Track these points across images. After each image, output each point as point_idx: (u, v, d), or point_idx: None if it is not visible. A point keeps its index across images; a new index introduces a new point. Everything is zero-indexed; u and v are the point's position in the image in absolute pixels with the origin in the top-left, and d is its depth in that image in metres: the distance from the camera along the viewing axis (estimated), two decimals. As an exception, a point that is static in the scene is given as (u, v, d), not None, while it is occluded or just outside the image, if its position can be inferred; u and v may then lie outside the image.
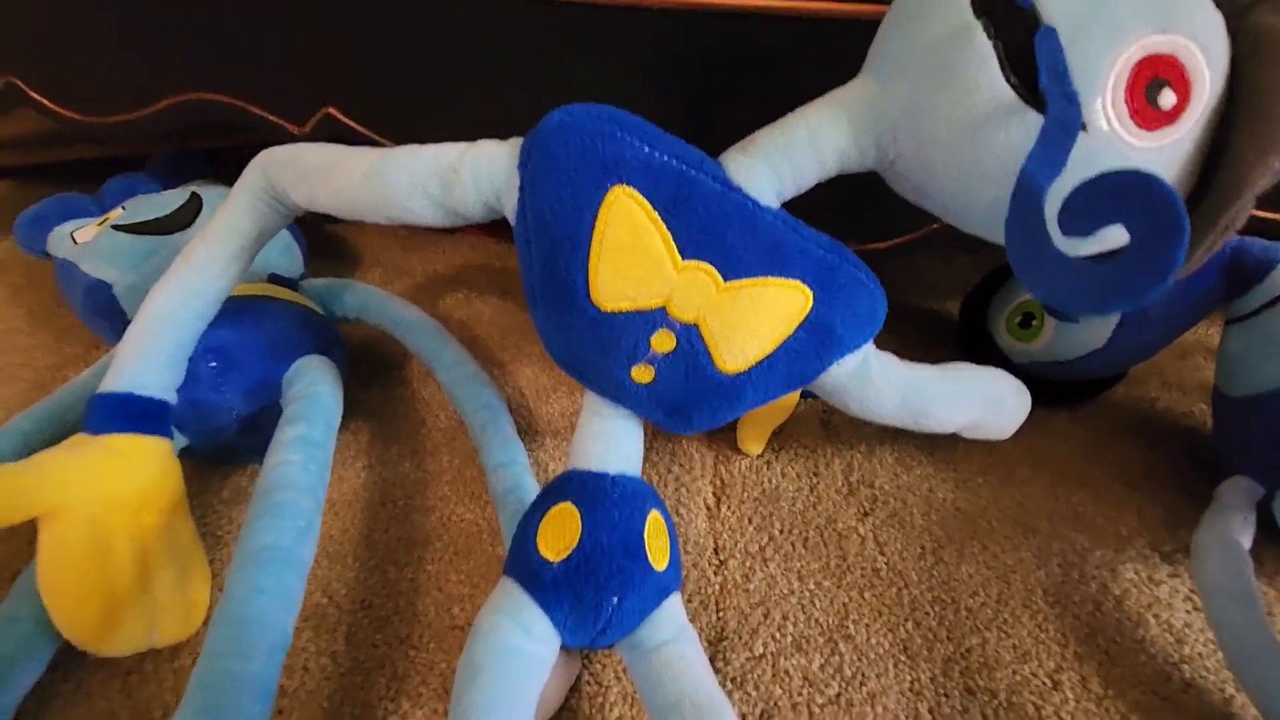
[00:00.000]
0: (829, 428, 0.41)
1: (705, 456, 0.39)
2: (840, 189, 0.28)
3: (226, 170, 0.47)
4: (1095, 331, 0.36)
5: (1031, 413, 0.37)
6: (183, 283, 0.31)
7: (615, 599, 0.24)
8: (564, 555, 0.24)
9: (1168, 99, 0.21)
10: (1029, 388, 0.38)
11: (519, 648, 0.23)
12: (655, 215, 0.23)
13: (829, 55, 0.29)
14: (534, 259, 0.24)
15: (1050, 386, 0.41)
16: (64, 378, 0.43)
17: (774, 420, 0.39)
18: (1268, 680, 0.26)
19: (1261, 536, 0.32)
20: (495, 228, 0.58)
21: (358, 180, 0.26)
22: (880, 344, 0.30)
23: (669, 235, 0.23)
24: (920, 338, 0.48)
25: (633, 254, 0.23)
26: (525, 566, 0.24)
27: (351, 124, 0.38)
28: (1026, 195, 0.19)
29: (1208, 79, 0.22)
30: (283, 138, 0.40)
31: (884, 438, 0.40)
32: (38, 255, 0.44)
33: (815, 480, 0.37)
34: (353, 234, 0.59)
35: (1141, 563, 0.33)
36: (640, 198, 0.23)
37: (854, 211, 0.33)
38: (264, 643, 0.22)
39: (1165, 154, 0.22)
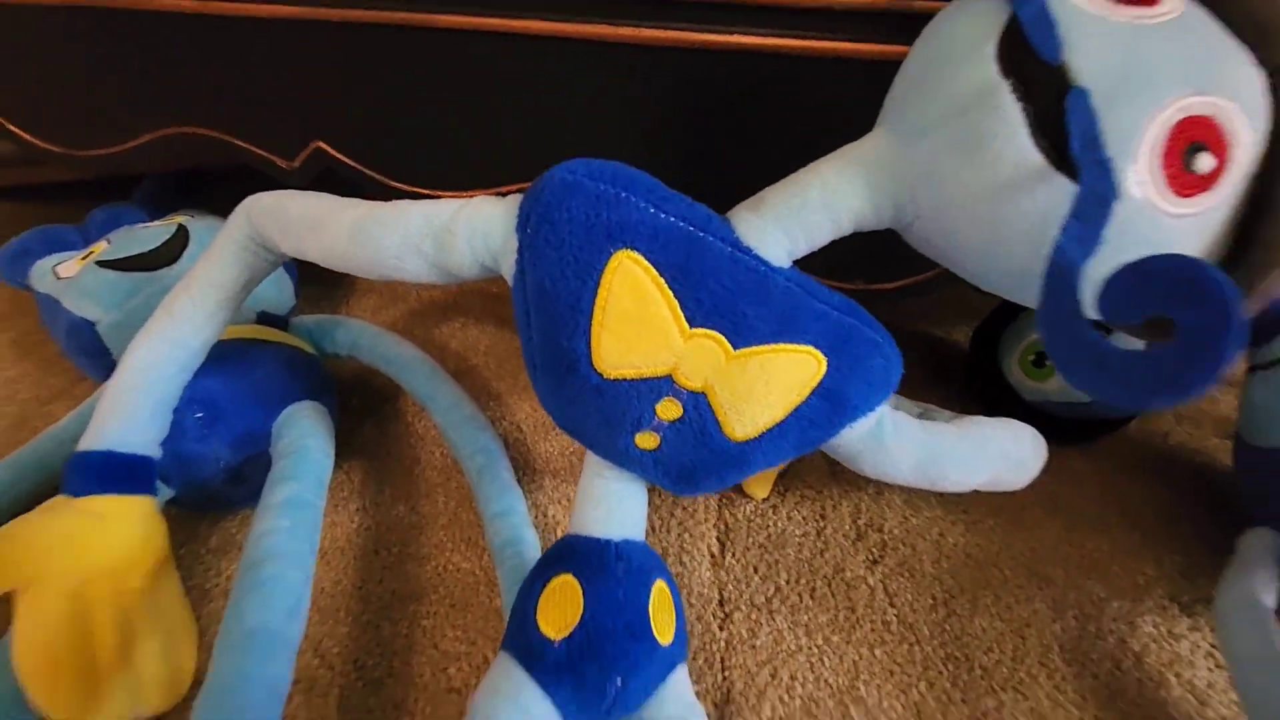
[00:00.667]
0: (836, 468, 0.40)
1: (709, 501, 0.38)
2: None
3: (214, 193, 0.45)
4: (1120, 370, 0.35)
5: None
6: (165, 335, 0.30)
7: (619, 680, 0.23)
8: (566, 633, 0.23)
9: (1206, 164, 0.20)
10: (1040, 425, 0.37)
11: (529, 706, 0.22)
12: (662, 282, 0.22)
13: (845, 94, 0.28)
14: (533, 325, 0.23)
15: (1063, 424, 0.39)
16: (49, 412, 0.41)
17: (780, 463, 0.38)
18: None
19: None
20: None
21: (345, 239, 0.25)
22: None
23: (675, 303, 0.22)
24: (927, 368, 0.47)
25: (638, 323, 0.22)
26: (525, 644, 0.23)
27: (342, 158, 0.37)
28: (1060, 274, 0.18)
29: (1248, 142, 0.20)
30: (272, 171, 0.39)
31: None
32: (19, 288, 0.43)
33: (822, 524, 0.36)
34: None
35: (1160, 614, 0.32)
36: (646, 263, 0.22)
37: (865, 252, 0.32)
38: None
39: (1201, 221, 0.21)
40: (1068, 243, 0.18)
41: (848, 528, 0.36)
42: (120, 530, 0.27)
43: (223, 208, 0.37)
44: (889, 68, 0.25)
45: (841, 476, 0.39)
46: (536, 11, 0.32)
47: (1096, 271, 0.18)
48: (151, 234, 0.42)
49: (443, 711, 0.28)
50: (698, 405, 0.23)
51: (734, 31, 0.31)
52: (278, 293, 0.44)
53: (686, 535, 0.36)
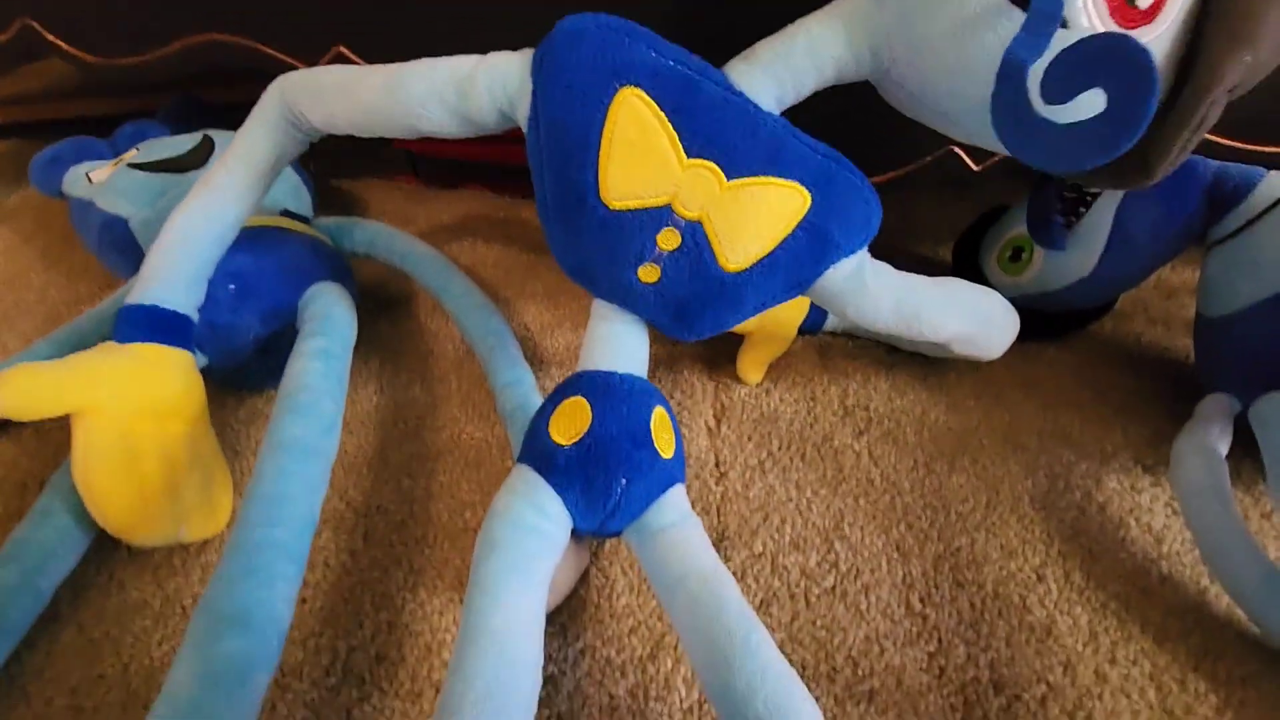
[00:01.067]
0: (826, 359, 0.42)
1: (706, 385, 0.40)
2: (834, 123, 0.29)
3: (232, 121, 0.48)
4: (1082, 260, 0.38)
5: (1022, 343, 0.39)
6: (203, 205, 0.32)
7: (624, 481, 0.25)
8: (576, 439, 0.25)
9: (1144, 0, 0.22)
10: (1026, 322, 0.40)
11: (534, 525, 0.24)
12: (662, 115, 0.24)
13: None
14: (545, 162, 0.26)
15: (1040, 318, 0.42)
16: (77, 312, 0.43)
17: (772, 351, 0.40)
18: (1240, 570, 0.28)
19: (1239, 449, 0.33)
20: (496, 182, 0.60)
21: (377, 91, 0.27)
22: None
23: (675, 134, 0.24)
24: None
25: (641, 152, 0.24)
26: (539, 452, 0.26)
27: (362, 61, 0.39)
28: (1011, 70, 0.20)
29: None
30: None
31: (879, 367, 0.41)
32: (52, 195, 0.45)
33: (813, 404, 0.39)
34: (359, 188, 0.60)
35: (1125, 474, 0.35)
36: (648, 98, 0.24)
37: (848, 145, 0.34)
38: (294, 514, 0.24)
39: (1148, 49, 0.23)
40: (1017, 46, 0.20)
41: (836, 406, 0.39)
42: (164, 375, 0.30)
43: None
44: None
45: (831, 366, 0.42)
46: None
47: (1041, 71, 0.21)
48: (179, 142, 0.44)
49: (460, 544, 0.30)
50: (695, 234, 0.26)
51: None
52: (298, 203, 0.46)
53: (685, 413, 0.38)
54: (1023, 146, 0.21)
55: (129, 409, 0.28)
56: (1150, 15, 0.23)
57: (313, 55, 0.40)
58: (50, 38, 0.41)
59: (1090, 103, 0.19)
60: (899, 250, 0.52)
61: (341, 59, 0.40)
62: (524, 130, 0.26)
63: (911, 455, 0.36)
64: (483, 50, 0.28)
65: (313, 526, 0.25)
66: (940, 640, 0.27)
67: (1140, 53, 0.18)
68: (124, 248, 0.41)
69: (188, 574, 0.29)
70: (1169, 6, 0.23)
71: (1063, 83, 0.19)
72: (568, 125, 0.25)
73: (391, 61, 0.33)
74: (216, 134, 0.46)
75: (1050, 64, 0.19)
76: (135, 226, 0.40)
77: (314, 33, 0.40)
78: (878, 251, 0.29)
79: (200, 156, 0.43)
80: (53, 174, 0.44)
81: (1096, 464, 0.35)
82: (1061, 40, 0.22)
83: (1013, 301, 0.41)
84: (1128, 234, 0.36)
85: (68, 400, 0.27)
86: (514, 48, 0.27)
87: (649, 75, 0.24)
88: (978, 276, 0.44)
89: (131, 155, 0.43)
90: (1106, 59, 0.18)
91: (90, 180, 0.43)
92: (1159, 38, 0.23)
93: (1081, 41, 0.19)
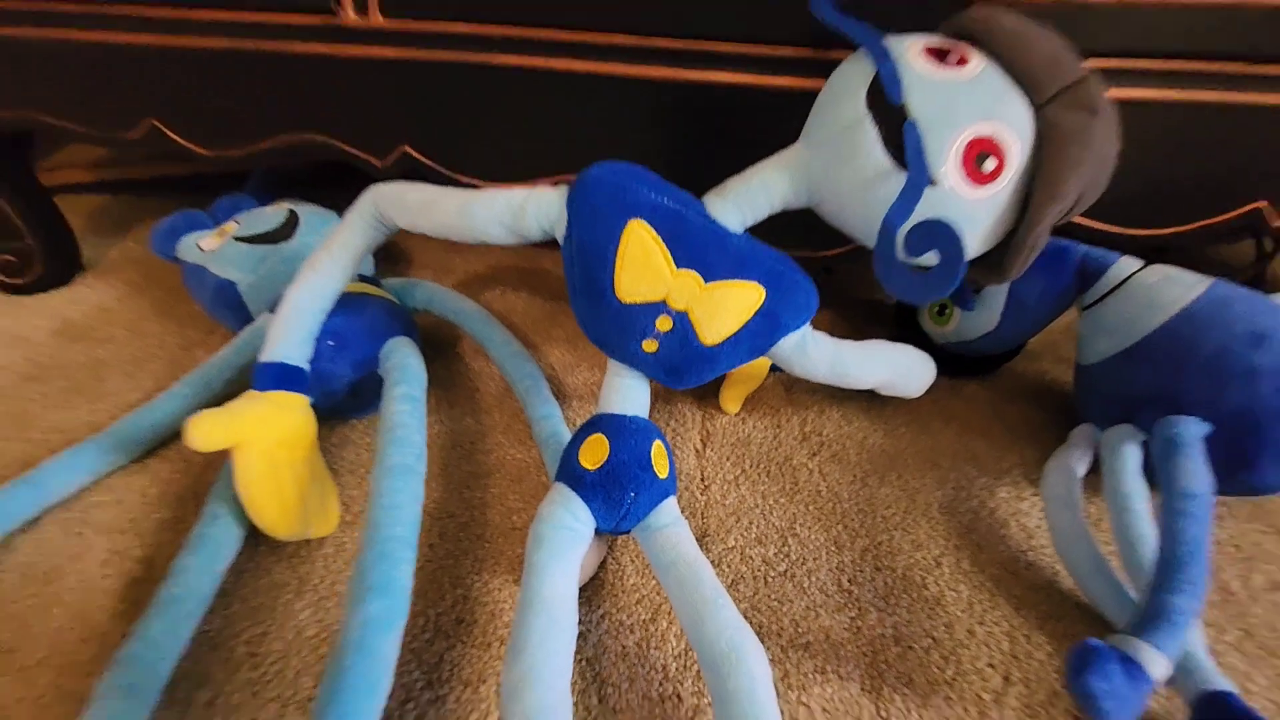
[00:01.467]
0: (791, 393, 0.53)
1: (695, 415, 0.51)
2: (796, 215, 0.40)
3: (306, 186, 0.58)
4: (987, 318, 0.48)
5: (951, 379, 0.49)
6: (311, 284, 0.42)
7: (632, 495, 0.35)
8: (598, 466, 0.36)
9: (990, 165, 0.33)
10: (947, 363, 0.51)
11: (569, 525, 0.35)
12: (659, 239, 0.35)
13: (784, 116, 0.40)
14: (576, 267, 0.36)
15: (962, 361, 0.53)
16: (192, 356, 0.54)
17: (748, 387, 0.51)
18: (1079, 560, 0.38)
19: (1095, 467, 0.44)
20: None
21: (450, 214, 0.38)
22: (833, 328, 0.42)
23: (668, 253, 0.35)
24: (864, 322, 0.60)
25: (643, 265, 0.35)
26: (571, 473, 0.36)
27: (423, 159, 0.50)
28: (886, 231, 0.31)
29: (1018, 151, 0.33)
30: (367, 167, 0.52)
31: (832, 400, 0.52)
32: (167, 258, 0.55)
33: (778, 431, 0.49)
34: (408, 242, 0.71)
35: (1014, 487, 0.46)
36: (649, 228, 0.35)
37: (806, 229, 0.45)
38: (406, 517, 0.34)
39: (989, 202, 0.34)
40: (891, 213, 0.31)
41: (796, 432, 0.49)
42: (291, 414, 0.40)
43: (314, 196, 0.50)
44: (813, 97, 0.38)
45: (794, 399, 0.52)
46: (569, 56, 0.45)
47: (904, 232, 0.31)
48: (270, 217, 0.55)
49: (511, 540, 0.41)
50: (683, 321, 0.36)
51: (709, 70, 0.44)
52: (366, 266, 0.57)
53: (677, 438, 0.49)
54: (886, 279, 0.31)
55: (271, 441, 0.39)
56: (994, 176, 0.33)
57: (383, 152, 0.51)
58: (171, 135, 0.52)
59: (931, 258, 0.30)
60: (853, 299, 0.63)
61: (406, 157, 0.50)
62: (560, 243, 0.37)
63: (852, 471, 0.46)
64: (518, 153, 0.39)
65: (418, 525, 0.35)
66: (860, 609, 0.38)
67: (955, 233, 0.28)
68: (234, 306, 0.51)
69: (313, 561, 0.39)
70: (1006, 171, 0.33)
71: (915, 244, 0.29)
72: (593, 245, 0.35)
73: (448, 158, 0.43)
74: (298, 207, 0.56)
75: (908, 232, 0.30)
76: (243, 290, 0.51)
77: (384, 134, 0.50)
78: (853, 304, 0.40)
79: (289, 229, 0.54)
80: (169, 242, 0.55)
81: (993, 479, 0.46)
82: (931, 196, 0.32)
83: (941, 346, 0.52)
84: (1020, 300, 0.47)
85: (234, 436, 0.37)
86: (540, 147, 0.37)
87: (649, 211, 0.35)
88: (914, 324, 0.55)
89: (233, 228, 0.54)
90: (939, 233, 0.29)
91: (201, 249, 0.53)
92: (1001, 191, 0.34)
93: (924, 222, 0.29)
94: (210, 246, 0.53)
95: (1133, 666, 0.29)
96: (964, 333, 0.50)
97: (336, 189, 0.58)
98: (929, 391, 0.49)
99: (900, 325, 0.56)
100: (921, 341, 0.54)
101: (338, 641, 0.29)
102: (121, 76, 0.51)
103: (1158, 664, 0.29)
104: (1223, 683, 0.31)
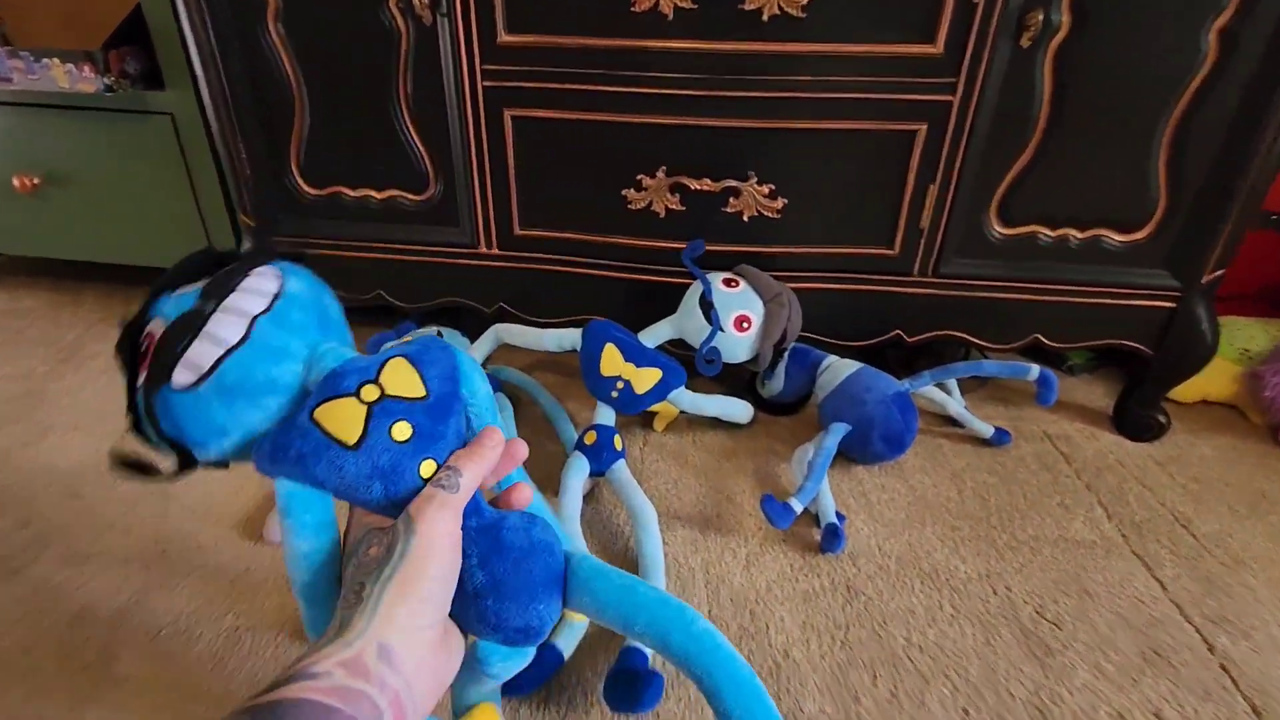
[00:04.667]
0: (689, 426, 1.05)
1: (640, 433, 1.02)
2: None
3: (443, 318, 1.13)
4: (777, 383, 1.01)
5: (771, 416, 1.02)
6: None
7: (605, 454, 0.86)
8: (592, 443, 0.87)
9: (746, 325, 0.87)
10: (769, 407, 1.04)
11: (579, 466, 0.86)
12: (618, 351, 0.88)
13: (673, 299, 0.95)
14: (584, 362, 0.90)
15: (775, 406, 1.05)
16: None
17: (667, 417, 1.03)
18: (796, 479, 0.90)
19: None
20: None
21: (531, 340, 0.92)
22: (714, 387, 0.95)
23: (622, 355, 0.88)
24: (729, 386, 1.13)
25: (611, 362, 0.88)
26: (580, 446, 0.87)
27: (509, 309, 1.04)
28: (702, 349, 0.85)
29: (757, 320, 0.88)
30: (478, 310, 1.07)
31: (710, 426, 1.04)
32: (374, 355, 1.09)
33: (680, 439, 1.01)
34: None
35: (784, 461, 0.97)
36: (614, 347, 0.88)
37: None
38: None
39: (747, 338, 0.87)
40: (704, 342, 0.85)
41: (691, 441, 1.01)
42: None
43: (447, 324, 1.05)
44: (685, 287, 0.93)
45: (690, 428, 1.04)
46: (581, 267, 1.00)
47: (709, 347, 0.85)
48: (427, 334, 1.08)
49: (553, 480, 0.92)
50: (628, 384, 0.89)
51: (657, 275, 0.99)
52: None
53: (630, 443, 1.00)
54: (700, 366, 0.85)
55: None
56: (748, 329, 0.88)
57: (488, 304, 1.06)
58: (389, 299, 1.07)
59: (716, 357, 0.84)
60: (726, 375, 1.17)
61: (501, 310, 1.05)
62: (578, 353, 0.91)
63: (715, 456, 0.98)
64: (560, 307, 0.94)
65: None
66: (705, 506, 0.88)
67: (719, 353, 0.82)
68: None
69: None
70: (754, 327, 0.88)
71: (708, 354, 0.83)
72: (591, 353, 0.89)
73: (521, 308, 0.98)
74: (441, 329, 1.10)
75: (707, 349, 0.84)
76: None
77: (491, 295, 1.06)
78: (726, 378, 0.93)
79: (439, 341, 1.08)
80: (374, 349, 1.08)
81: (781, 459, 0.97)
82: (720, 338, 0.86)
83: (764, 398, 1.05)
84: (791, 375, 1.00)
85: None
86: (569, 306, 0.92)
87: (614, 340, 0.89)
88: (753, 388, 1.07)
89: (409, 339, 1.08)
90: (715, 351, 0.83)
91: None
92: (751, 335, 0.88)
93: (713, 346, 0.83)
94: (399, 349, 1.07)
95: (786, 506, 0.79)
96: (771, 391, 1.03)
97: (453, 318, 1.13)
98: (758, 421, 1.02)
99: (748, 388, 1.09)
100: (756, 394, 1.07)
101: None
102: (369, 272, 1.06)
103: (795, 504, 0.80)
104: (834, 520, 0.82)
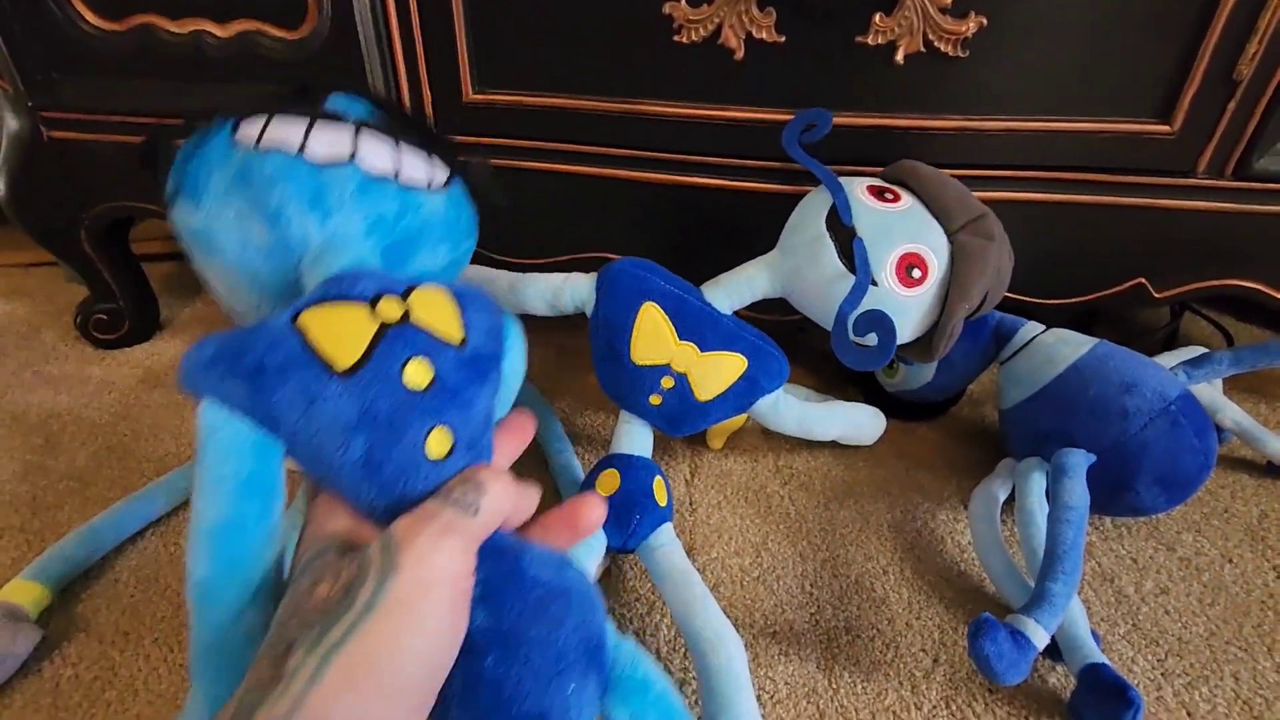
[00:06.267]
0: (768, 434, 0.62)
1: (685, 451, 0.60)
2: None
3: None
4: (924, 372, 0.59)
5: (903, 423, 0.59)
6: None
7: (638, 518, 0.44)
8: (611, 493, 0.45)
9: (916, 274, 0.44)
10: (900, 408, 0.61)
11: (587, 542, 0.44)
12: (666, 318, 0.45)
13: (768, 221, 0.51)
14: (600, 337, 0.46)
15: (910, 407, 0.63)
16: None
17: (730, 428, 0.60)
18: (993, 560, 0.47)
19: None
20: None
21: (504, 290, 0.48)
22: (805, 378, 0.52)
23: (673, 328, 0.45)
24: (830, 374, 0.70)
25: (653, 336, 0.45)
26: (588, 496, 0.46)
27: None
28: (840, 318, 0.42)
29: (937, 265, 0.44)
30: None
31: (802, 441, 0.61)
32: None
33: (755, 465, 0.59)
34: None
35: (951, 511, 0.55)
36: (659, 308, 0.45)
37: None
38: None
39: (917, 299, 0.44)
40: (844, 306, 0.42)
41: (771, 466, 0.59)
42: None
43: None
44: (780, 199, 0.49)
45: (771, 440, 0.62)
46: (594, 164, 0.56)
47: (853, 318, 0.42)
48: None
49: (534, 552, 0.50)
50: (682, 381, 0.46)
51: (709, 177, 0.55)
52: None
53: (670, 470, 0.58)
54: (842, 354, 0.42)
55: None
56: (920, 282, 0.44)
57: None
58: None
59: (872, 338, 0.41)
60: (823, 354, 0.74)
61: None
62: (588, 317, 0.48)
63: (816, 497, 0.56)
64: (549, 243, 0.50)
65: None
66: (818, 606, 0.47)
67: (890, 321, 0.39)
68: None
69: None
70: (929, 278, 0.44)
71: (861, 328, 0.40)
72: (615, 319, 0.46)
73: (492, 244, 0.54)
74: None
75: (855, 319, 0.41)
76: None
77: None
78: (822, 358, 0.50)
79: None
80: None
81: (935, 504, 0.55)
82: (873, 294, 0.43)
83: (892, 394, 0.62)
84: (948, 358, 0.57)
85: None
86: (569, 238, 0.48)
87: (659, 295, 0.46)
88: (871, 377, 0.65)
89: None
90: (878, 321, 0.40)
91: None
92: (925, 292, 0.44)
93: (868, 311, 0.40)
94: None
95: (1019, 636, 0.38)
96: (907, 383, 0.61)
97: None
98: (886, 431, 0.59)
99: (860, 380, 0.66)
100: (875, 388, 0.64)
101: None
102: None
103: (1038, 634, 0.38)
104: (1100, 657, 0.40)
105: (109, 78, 0.58)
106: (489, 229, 0.61)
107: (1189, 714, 0.40)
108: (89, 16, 0.56)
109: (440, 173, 0.36)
